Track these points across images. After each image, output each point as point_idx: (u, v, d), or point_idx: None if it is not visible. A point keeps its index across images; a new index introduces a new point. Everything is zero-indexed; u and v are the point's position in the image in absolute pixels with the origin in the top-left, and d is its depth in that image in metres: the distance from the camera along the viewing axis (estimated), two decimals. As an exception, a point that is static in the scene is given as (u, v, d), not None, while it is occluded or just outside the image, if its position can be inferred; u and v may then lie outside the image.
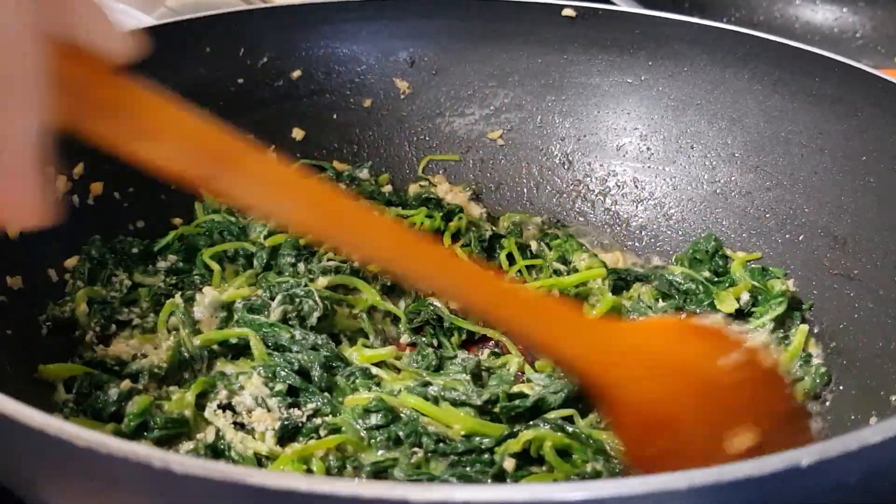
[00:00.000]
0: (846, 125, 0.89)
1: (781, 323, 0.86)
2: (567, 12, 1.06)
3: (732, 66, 0.99)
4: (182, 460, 0.37)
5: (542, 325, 0.49)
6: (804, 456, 0.38)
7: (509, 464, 0.66)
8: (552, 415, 0.72)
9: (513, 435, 0.68)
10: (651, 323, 0.55)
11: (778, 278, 0.89)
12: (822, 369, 0.80)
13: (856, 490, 0.42)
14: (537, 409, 0.73)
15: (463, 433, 0.69)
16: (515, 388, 0.75)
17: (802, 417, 0.58)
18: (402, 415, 0.70)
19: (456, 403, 0.72)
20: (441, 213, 0.98)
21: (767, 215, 0.95)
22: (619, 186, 1.05)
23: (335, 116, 1.07)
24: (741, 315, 0.88)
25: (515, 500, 0.35)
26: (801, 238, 0.91)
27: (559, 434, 0.68)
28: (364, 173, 1.04)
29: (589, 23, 1.06)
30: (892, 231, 0.82)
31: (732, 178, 0.99)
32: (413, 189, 1.05)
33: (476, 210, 1.04)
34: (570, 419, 0.72)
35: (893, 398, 0.70)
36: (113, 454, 0.38)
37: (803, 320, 0.86)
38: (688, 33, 1.01)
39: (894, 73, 0.86)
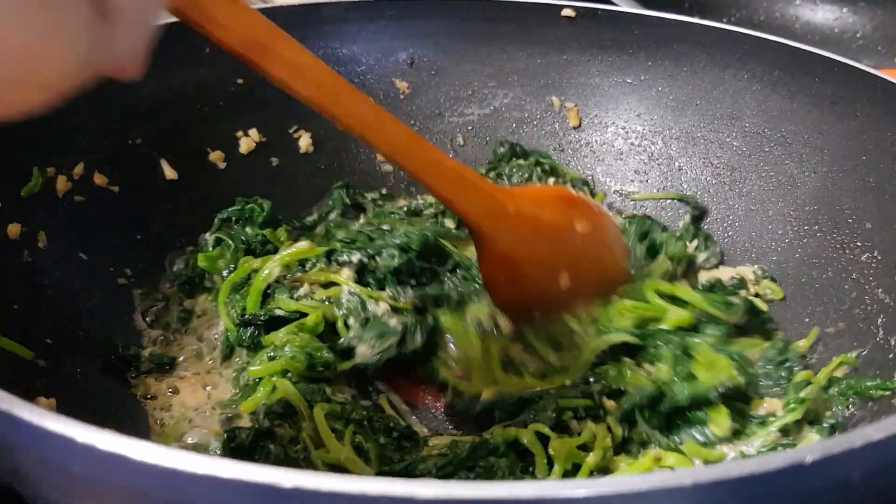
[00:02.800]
0: (846, 125, 0.89)
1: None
2: (567, 12, 1.06)
3: (732, 66, 0.99)
4: (191, 459, 0.37)
5: (453, 190, 0.65)
6: (808, 453, 0.38)
7: None
8: None
9: None
10: (532, 190, 0.72)
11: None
12: None
13: (859, 487, 0.42)
14: None
15: None
16: None
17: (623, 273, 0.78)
18: None
19: None
20: None
21: (767, 215, 0.95)
22: (619, 187, 1.06)
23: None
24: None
25: (521, 496, 0.35)
26: (802, 239, 0.91)
27: None
28: None
29: (589, 23, 1.06)
30: (892, 231, 0.82)
31: (732, 178, 0.99)
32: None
33: None
34: None
35: (895, 399, 0.70)
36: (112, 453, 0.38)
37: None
38: (687, 33, 1.02)
39: (894, 73, 0.86)
